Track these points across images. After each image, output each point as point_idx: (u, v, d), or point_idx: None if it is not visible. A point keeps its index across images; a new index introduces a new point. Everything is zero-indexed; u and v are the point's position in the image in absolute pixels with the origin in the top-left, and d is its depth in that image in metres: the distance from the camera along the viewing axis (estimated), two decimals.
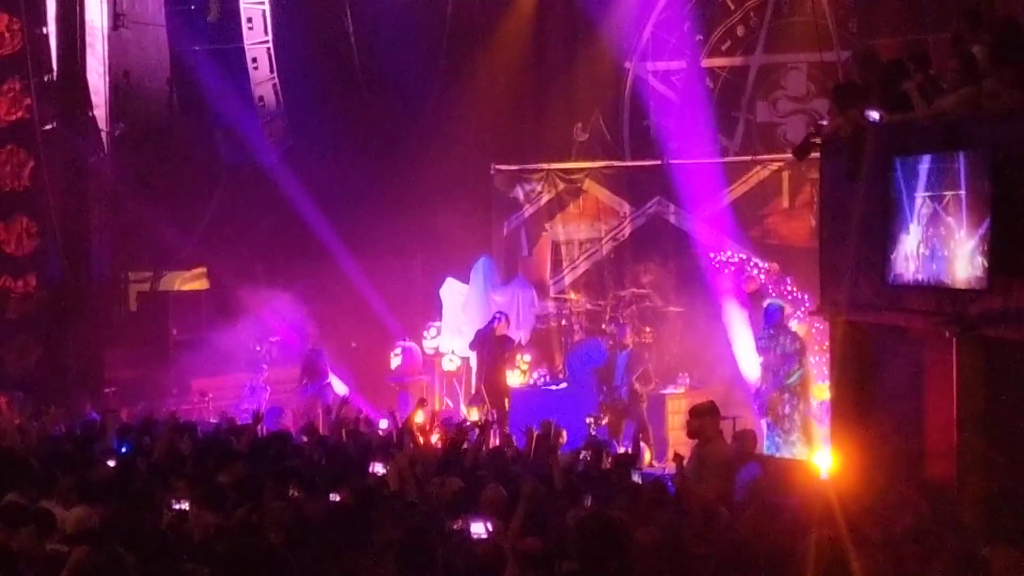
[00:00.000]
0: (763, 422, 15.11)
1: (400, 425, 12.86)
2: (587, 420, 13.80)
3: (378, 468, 9.07)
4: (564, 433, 12.80)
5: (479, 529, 6.51)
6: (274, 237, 20.31)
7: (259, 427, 11.93)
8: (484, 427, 12.67)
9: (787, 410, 14.97)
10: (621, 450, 13.85)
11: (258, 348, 19.22)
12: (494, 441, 14.22)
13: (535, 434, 11.83)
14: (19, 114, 18.09)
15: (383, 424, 13.94)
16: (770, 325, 15.34)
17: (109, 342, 18.82)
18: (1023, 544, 6.92)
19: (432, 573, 6.26)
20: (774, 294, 16.42)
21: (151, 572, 5.98)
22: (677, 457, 10.87)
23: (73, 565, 5.92)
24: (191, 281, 20.44)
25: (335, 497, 8.13)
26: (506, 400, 16.99)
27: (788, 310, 15.83)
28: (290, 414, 17.40)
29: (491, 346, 17.19)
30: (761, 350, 15.51)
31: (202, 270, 20.46)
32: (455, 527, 6.93)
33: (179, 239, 19.98)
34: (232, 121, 19.36)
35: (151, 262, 20.18)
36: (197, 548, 7.06)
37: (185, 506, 7.43)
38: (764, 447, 14.48)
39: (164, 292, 19.92)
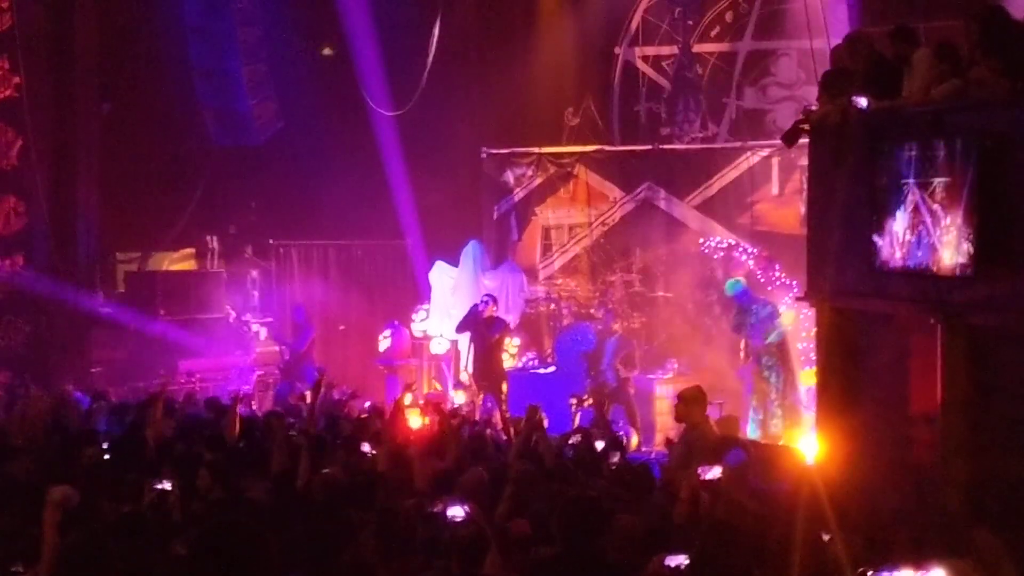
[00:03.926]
0: (751, 404, 15.21)
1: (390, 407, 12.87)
2: (570, 401, 13.84)
3: (367, 448, 9.08)
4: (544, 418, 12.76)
5: (456, 512, 6.50)
6: (263, 218, 20.33)
7: (238, 408, 11.88)
8: (470, 411, 12.69)
9: (772, 395, 15.05)
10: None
11: (246, 329, 19.23)
12: (483, 425, 14.24)
13: (510, 418, 11.87)
14: (7, 92, 18.02)
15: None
16: (740, 303, 15.42)
17: (96, 322, 18.79)
18: (1006, 528, 6.95)
19: (412, 554, 6.28)
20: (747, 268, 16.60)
21: (130, 553, 5.98)
22: (668, 442, 10.91)
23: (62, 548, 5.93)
24: (179, 261, 20.42)
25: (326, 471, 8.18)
26: (504, 384, 16.78)
27: (745, 282, 15.91)
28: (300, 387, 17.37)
29: (479, 330, 17.13)
30: (736, 329, 15.60)
31: (190, 250, 20.45)
32: (435, 509, 6.92)
33: (168, 219, 20.00)
34: (222, 101, 19.33)
35: (139, 242, 20.16)
36: (178, 528, 7.07)
37: (167, 486, 7.42)
38: (747, 430, 14.59)
39: (152, 272, 19.89)
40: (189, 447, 9.78)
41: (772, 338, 15.05)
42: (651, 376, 16.86)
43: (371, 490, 7.80)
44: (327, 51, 20.52)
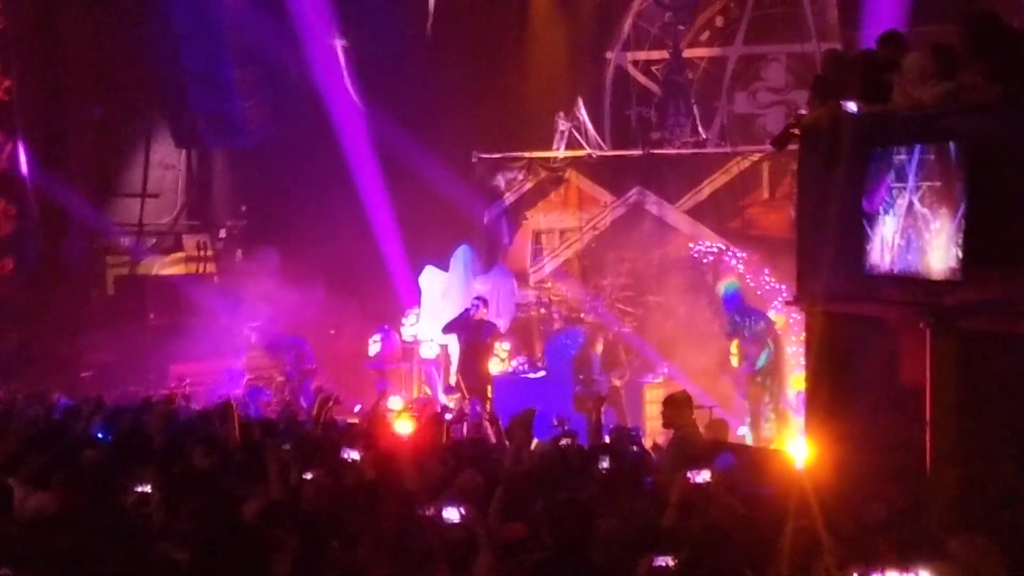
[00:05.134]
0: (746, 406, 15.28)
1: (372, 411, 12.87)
2: (554, 421, 13.90)
3: (352, 454, 8.99)
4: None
5: (452, 515, 6.49)
6: (254, 221, 20.32)
7: (234, 412, 11.85)
8: (460, 414, 12.66)
9: (766, 399, 15.11)
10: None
11: (237, 333, 19.22)
12: (472, 428, 14.24)
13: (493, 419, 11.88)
14: None
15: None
16: (731, 310, 15.48)
17: (87, 326, 18.78)
18: (994, 533, 6.96)
19: (405, 557, 6.28)
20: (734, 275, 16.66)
21: (119, 555, 5.99)
22: (656, 448, 10.92)
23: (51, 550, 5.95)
24: (170, 265, 20.39)
25: (308, 476, 8.11)
26: (488, 387, 16.91)
27: (739, 285, 15.97)
28: (271, 394, 17.37)
29: (469, 333, 17.13)
30: (729, 335, 15.66)
31: (181, 254, 20.43)
32: (428, 512, 6.92)
33: (158, 223, 20.01)
34: (214, 105, 19.33)
35: (129, 246, 20.15)
36: (163, 531, 7.07)
37: (147, 489, 7.41)
38: (740, 431, 14.64)
39: (142, 276, 19.88)
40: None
41: (762, 361, 15.09)
42: (641, 380, 16.88)
43: (362, 495, 7.80)
44: None
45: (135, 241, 20.22)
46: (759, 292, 16.49)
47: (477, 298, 17.42)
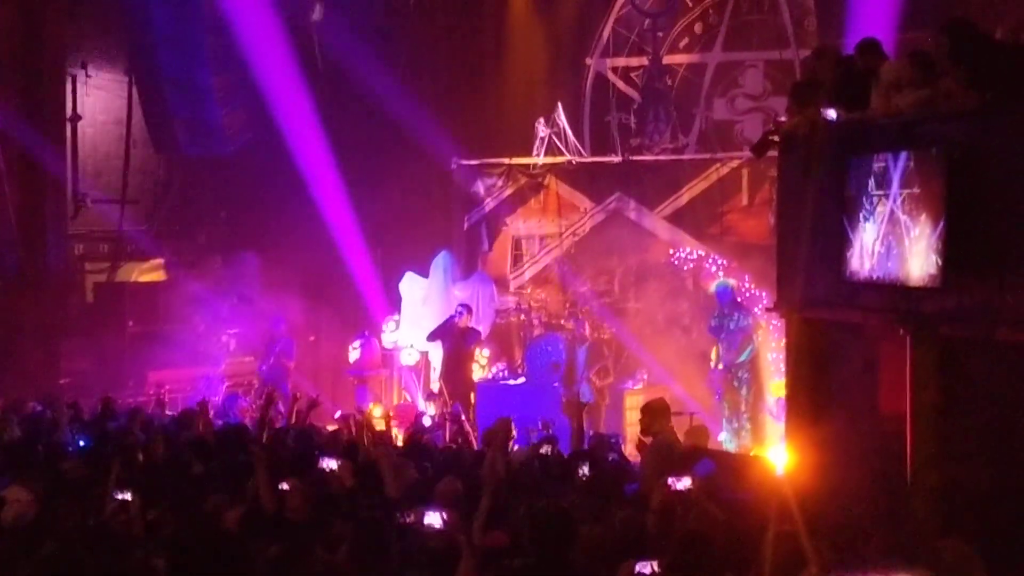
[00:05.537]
0: (722, 412, 15.31)
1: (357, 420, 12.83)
2: (540, 424, 13.92)
3: (330, 463, 8.93)
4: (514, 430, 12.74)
5: (434, 520, 6.49)
6: (233, 228, 20.26)
7: (207, 416, 11.82)
8: (442, 421, 12.67)
9: (742, 408, 15.14)
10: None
11: (216, 340, 19.17)
12: (452, 436, 14.24)
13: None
14: None
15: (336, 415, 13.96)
16: (722, 305, 15.55)
17: (65, 332, 18.69)
18: (975, 537, 6.99)
19: (385, 565, 6.27)
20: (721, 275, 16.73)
21: (97, 562, 5.97)
22: (642, 445, 10.92)
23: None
24: (148, 272, 20.33)
25: (284, 486, 8.06)
26: (472, 394, 16.95)
27: (735, 284, 16.05)
28: (247, 401, 17.34)
29: (453, 340, 17.15)
30: (713, 330, 15.71)
31: (159, 261, 20.37)
32: (408, 519, 6.91)
33: (137, 229, 19.93)
34: (192, 111, 19.27)
35: (108, 252, 20.09)
36: (143, 537, 7.05)
37: (128, 496, 7.39)
38: (720, 436, 14.67)
39: (121, 283, 19.81)
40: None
41: (745, 356, 15.17)
42: (622, 387, 16.91)
43: (343, 502, 7.79)
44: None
45: (114, 247, 20.14)
46: (739, 298, 16.54)
47: (461, 305, 17.45)
